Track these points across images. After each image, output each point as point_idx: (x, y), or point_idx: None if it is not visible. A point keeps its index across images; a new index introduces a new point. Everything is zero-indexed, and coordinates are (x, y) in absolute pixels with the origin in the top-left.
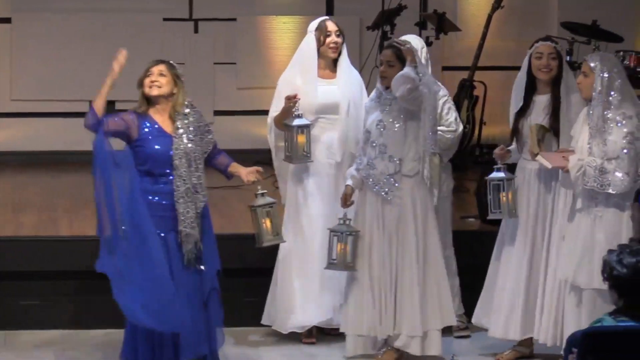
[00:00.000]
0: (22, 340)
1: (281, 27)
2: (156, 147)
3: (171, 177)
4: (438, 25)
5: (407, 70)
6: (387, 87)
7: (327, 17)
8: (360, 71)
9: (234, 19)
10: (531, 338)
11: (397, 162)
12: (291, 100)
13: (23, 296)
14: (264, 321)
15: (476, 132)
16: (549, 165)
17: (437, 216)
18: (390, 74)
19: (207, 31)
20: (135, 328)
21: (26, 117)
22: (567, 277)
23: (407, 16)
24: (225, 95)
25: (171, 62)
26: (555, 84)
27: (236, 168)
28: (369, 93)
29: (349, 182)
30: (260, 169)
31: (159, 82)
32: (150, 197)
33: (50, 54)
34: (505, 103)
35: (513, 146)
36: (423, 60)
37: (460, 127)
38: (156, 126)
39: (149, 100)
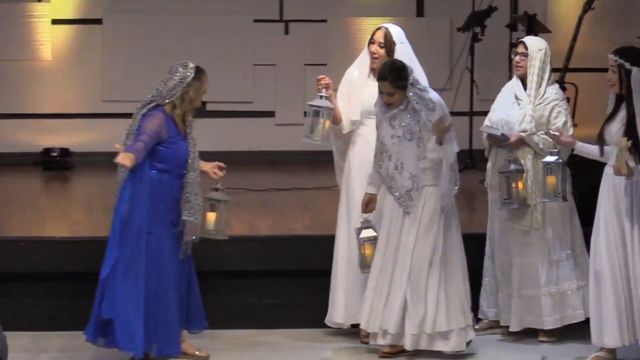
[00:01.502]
0: None
1: (371, 28)
2: (179, 149)
3: (184, 172)
4: (528, 26)
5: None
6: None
7: (384, 26)
8: (451, 72)
9: (325, 20)
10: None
11: (414, 179)
12: (319, 81)
13: None
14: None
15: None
16: None
17: (545, 218)
18: (394, 101)
19: (297, 32)
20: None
21: (116, 118)
22: None
23: (498, 17)
24: (315, 96)
25: None
26: (629, 96)
27: (201, 163)
28: (444, 94)
29: (370, 189)
30: (222, 164)
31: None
32: (161, 194)
33: (141, 55)
34: (596, 104)
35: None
36: (539, 62)
37: (570, 133)
38: (178, 129)
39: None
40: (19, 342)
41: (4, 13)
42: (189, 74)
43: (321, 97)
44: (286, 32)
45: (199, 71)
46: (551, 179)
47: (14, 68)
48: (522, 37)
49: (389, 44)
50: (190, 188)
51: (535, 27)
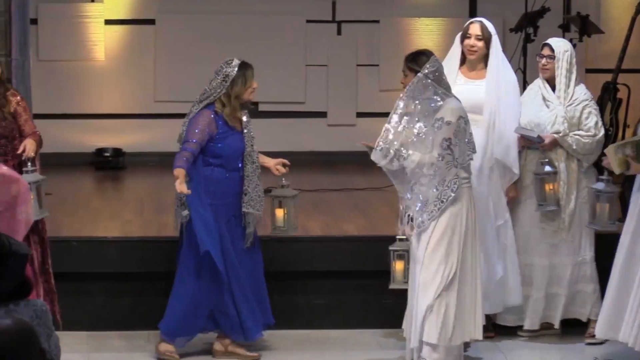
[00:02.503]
0: None
1: (424, 29)
2: (232, 143)
3: (239, 165)
4: (581, 27)
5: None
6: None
7: (476, 20)
8: None
9: (377, 21)
10: None
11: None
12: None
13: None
14: None
15: (620, 135)
16: None
17: (573, 220)
18: (406, 84)
19: (349, 33)
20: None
21: (168, 118)
22: None
23: (550, 18)
24: (367, 97)
25: None
26: None
27: (262, 159)
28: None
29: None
30: (285, 161)
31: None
32: (218, 188)
33: (193, 55)
34: None
35: None
36: (565, 64)
37: (601, 132)
38: (228, 125)
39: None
40: (71, 342)
41: (57, 13)
42: (231, 71)
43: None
44: (339, 32)
45: (242, 67)
46: (602, 207)
47: (67, 68)
48: (547, 40)
49: (487, 36)
50: (248, 181)
51: (588, 28)
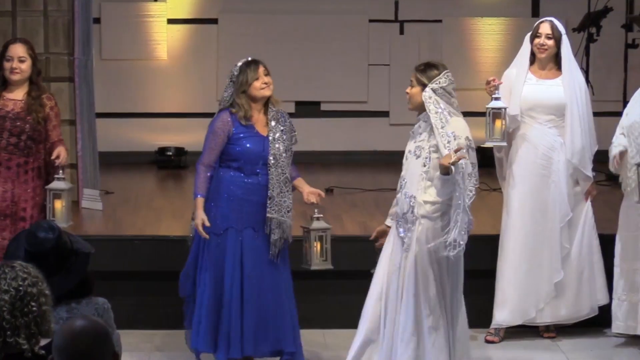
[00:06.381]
0: None
1: (486, 28)
2: (251, 146)
3: (258, 170)
4: None
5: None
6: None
7: (547, 19)
8: None
9: (440, 21)
10: None
11: (412, 200)
12: (490, 84)
13: None
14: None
15: None
16: None
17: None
18: (410, 97)
19: (412, 32)
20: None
21: None
22: None
23: (613, 18)
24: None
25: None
26: None
27: (300, 184)
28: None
29: (387, 221)
30: (322, 193)
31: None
32: (238, 192)
33: (256, 55)
34: None
35: None
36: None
37: None
38: (245, 127)
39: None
40: (132, 340)
41: (120, 12)
42: (235, 71)
43: (495, 98)
44: (401, 32)
45: (245, 64)
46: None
47: (130, 67)
48: None
49: (557, 35)
50: (272, 186)
51: None
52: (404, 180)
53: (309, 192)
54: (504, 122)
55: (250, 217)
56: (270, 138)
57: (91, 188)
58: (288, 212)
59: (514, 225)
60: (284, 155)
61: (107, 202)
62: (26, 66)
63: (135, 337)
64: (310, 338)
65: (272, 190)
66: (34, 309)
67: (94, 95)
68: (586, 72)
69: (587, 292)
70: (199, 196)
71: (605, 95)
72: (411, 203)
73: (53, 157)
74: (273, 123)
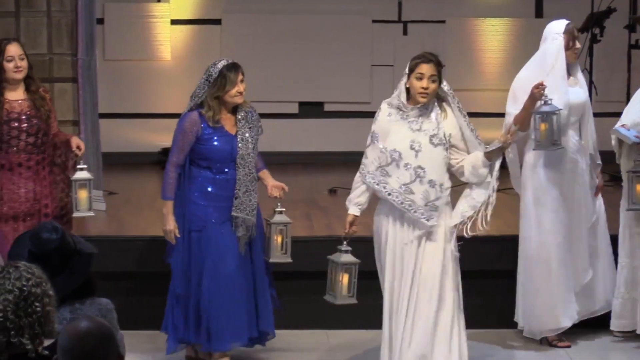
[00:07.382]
0: None
1: (490, 29)
2: (219, 146)
3: (227, 169)
4: None
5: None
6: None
7: (570, 22)
8: None
9: (443, 21)
10: None
11: (439, 187)
12: (539, 88)
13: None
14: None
15: None
16: None
17: None
18: (432, 90)
19: (415, 33)
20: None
21: None
22: None
23: (617, 19)
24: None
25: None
26: None
27: (265, 176)
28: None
29: (354, 210)
30: (285, 187)
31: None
32: (207, 190)
33: (259, 55)
34: None
35: None
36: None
37: None
38: (213, 127)
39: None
40: (135, 341)
41: (123, 13)
42: (213, 71)
43: (544, 102)
44: (404, 32)
45: (225, 68)
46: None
47: (133, 68)
48: None
49: (578, 36)
50: (239, 185)
51: None
52: (421, 169)
53: (273, 185)
54: (557, 124)
55: (226, 211)
56: (238, 137)
57: (94, 188)
58: (252, 210)
59: (552, 231)
60: (251, 154)
61: (110, 202)
62: (26, 63)
63: (138, 337)
64: (314, 339)
65: (239, 190)
66: (38, 309)
67: (98, 96)
68: (589, 73)
69: (602, 287)
70: (168, 199)
71: (609, 96)
72: (439, 190)
73: (73, 147)
74: (242, 122)
